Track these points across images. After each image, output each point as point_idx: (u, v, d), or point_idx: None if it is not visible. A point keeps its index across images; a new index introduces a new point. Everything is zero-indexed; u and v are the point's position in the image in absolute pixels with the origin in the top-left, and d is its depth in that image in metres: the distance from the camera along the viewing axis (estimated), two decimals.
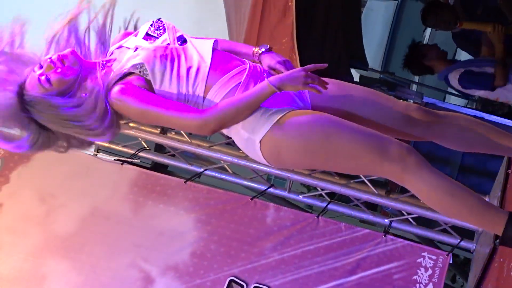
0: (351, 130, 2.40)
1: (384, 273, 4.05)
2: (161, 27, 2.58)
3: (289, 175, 4.34)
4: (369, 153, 2.36)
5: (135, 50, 2.50)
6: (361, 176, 4.30)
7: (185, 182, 4.31)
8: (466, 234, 4.29)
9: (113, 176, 4.32)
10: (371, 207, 4.52)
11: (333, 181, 4.37)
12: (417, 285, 4.01)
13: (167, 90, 2.45)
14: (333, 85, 2.60)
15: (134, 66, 2.44)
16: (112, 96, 2.42)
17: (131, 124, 4.45)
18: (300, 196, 4.44)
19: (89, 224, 4.22)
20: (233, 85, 2.48)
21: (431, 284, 4.00)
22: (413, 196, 4.27)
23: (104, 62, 2.51)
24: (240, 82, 2.49)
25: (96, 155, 4.45)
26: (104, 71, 2.47)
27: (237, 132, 2.51)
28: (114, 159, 4.42)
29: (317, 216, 4.21)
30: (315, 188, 4.46)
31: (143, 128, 4.52)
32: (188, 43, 2.55)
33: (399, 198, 4.30)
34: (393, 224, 4.29)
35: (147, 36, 2.56)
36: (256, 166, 4.35)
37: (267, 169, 4.36)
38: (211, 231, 4.18)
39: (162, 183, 4.32)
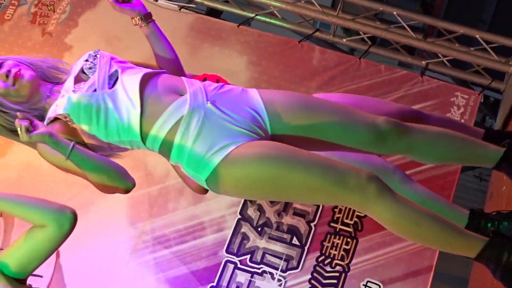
0: (304, 165, 2.26)
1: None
2: (94, 65, 2.48)
3: (333, 20, 4.65)
4: (324, 188, 2.24)
5: (62, 97, 2.43)
6: (400, 21, 4.59)
7: (238, 26, 4.64)
8: (498, 75, 4.60)
9: (172, 21, 4.61)
10: (410, 50, 4.80)
11: (374, 26, 4.69)
12: None
13: (96, 135, 2.40)
14: (298, 102, 2.46)
15: (61, 114, 2.39)
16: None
17: None
18: (344, 40, 4.77)
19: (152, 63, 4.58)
20: (175, 121, 2.35)
21: (462, 120, 4.27)
22: (449, 39, 4.58)
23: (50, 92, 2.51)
24: (183, 116, 2.35)
25: (156, 0, 4.73)
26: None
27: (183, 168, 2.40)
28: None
29: (359, 58, 4.53)
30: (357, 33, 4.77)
31: None
32: (118, 84, 2.41)
33: (436, 41, 4.60)
34: (430, 66, 4.59)
35: (82, 74, 2.48)
36: (304, 11, 4.68)
37: (313, 14, 4.69)
38: (261, 72, 4.51)
39: (217, 28, 4.64)
